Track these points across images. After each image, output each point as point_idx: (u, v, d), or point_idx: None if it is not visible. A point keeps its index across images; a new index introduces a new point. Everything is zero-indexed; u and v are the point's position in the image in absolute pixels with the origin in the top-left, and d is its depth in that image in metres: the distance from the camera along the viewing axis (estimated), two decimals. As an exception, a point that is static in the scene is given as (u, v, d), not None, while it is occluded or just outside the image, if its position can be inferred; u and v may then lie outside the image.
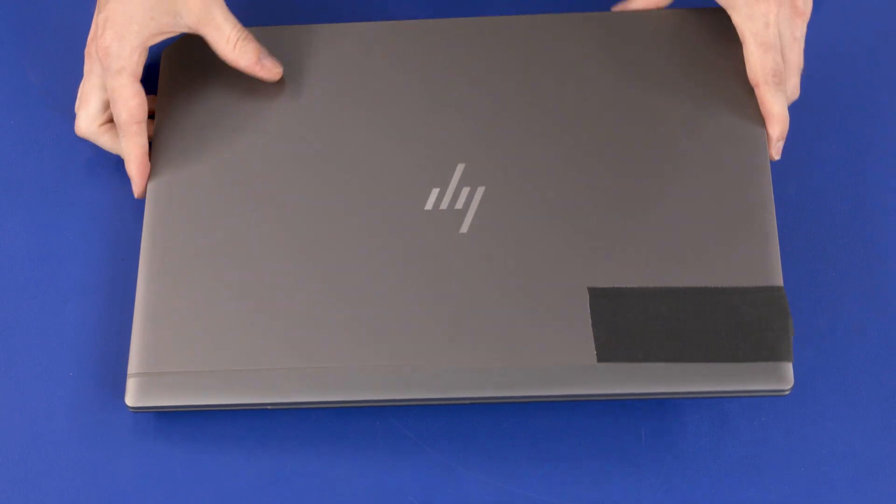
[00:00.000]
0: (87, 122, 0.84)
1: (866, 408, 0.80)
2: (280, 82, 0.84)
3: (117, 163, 0.87)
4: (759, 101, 0.82)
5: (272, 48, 0.85)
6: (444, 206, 0.79)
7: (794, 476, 0.78)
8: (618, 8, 0.87)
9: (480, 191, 0.80)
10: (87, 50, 0.83)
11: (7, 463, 0.79)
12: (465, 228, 0.79)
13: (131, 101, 0.81)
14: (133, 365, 0.77)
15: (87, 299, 0.83)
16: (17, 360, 0.82)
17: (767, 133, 0.81)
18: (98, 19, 0.82)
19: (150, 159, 0.83)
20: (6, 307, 0.84)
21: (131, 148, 0.82)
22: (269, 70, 0.83)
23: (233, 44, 0.82)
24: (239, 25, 0.82)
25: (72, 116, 0.88)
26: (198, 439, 0.79)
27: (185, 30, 0.82)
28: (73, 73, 0.91)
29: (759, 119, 0.82)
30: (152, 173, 0.82)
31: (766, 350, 0.74)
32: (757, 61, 0.81)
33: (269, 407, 0.77)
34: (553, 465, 0.79)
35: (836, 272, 0.84)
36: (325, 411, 0.80)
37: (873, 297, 0.83)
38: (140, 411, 0.77)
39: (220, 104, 0.84)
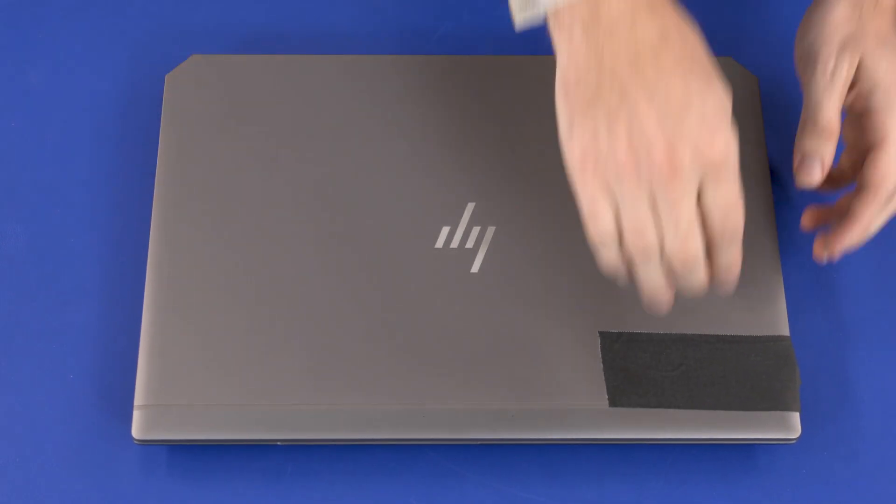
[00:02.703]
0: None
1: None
2: (289, 113, 0.84)
3: (118, 163, 0.88)
4: (859, 200, 0.77)
5: (282, 77, 0.85)
6: (454, 244, 0.80)
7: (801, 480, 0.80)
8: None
9: (491, 230, 0.80)
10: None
11: (7, 465, 0.79)
12: (475, 268, 0.79)
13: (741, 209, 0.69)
14: (139, 396, 0.76)
15: (88, 301, 0.83)
16: (17, 361, 0.82)
17: (843, 231, 0.78)
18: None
19: (154, 188, 0.82)
20: (6, 308, 0.83)
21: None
22: None
23: None
24: None
25: (72, 117, 0.89)
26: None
27: None
28: (73, 74, 0.91)
29: (764, 171, 0.82)
30: (156, 202, 0.81)
31: (773, 400, 0.77)
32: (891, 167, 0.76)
33: (278, 443, 0.77)
34: (553, 466, 0.79)
35: (836, 273, 0.85)
36: (334, 447, 0.80)
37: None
38: (146, 444, 0.76)
39: (226, 130, 0.84)
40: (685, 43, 0.66)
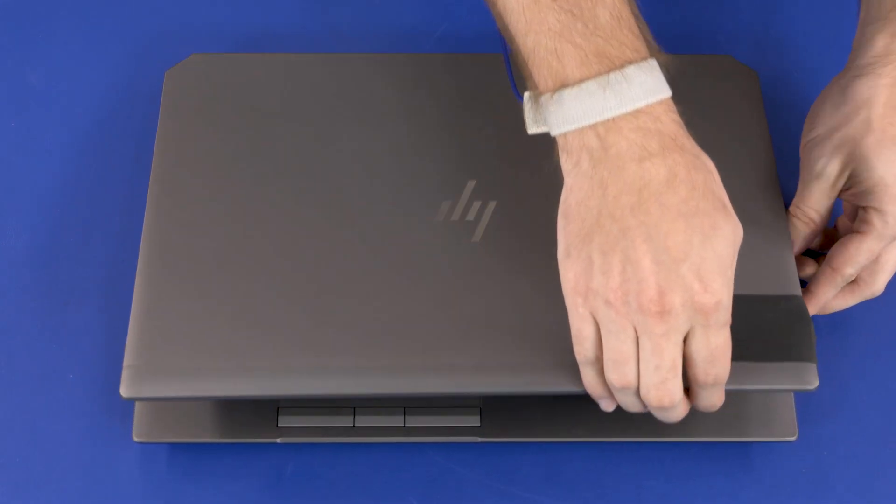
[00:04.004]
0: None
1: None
2: (289, 109, 0.84)
3: (118, 163, 0.88)
4: (818, 277, 0.80)
5: (282, 75, 0.85)
6: (455, 217, 0.79)
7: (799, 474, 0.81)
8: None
9: (492, 205, 0.79)
10: (614, 303, 0.67)
11: (7, 465, 0.79)
12: (477, 237, 0.78)
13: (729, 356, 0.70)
14: (129, 357, 0.75)
15: (88, 301, 0.83)
16: (17, 361, 0.82)
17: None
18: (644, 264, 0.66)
19: (150, 177, 0.81)
20: (6, 308, 0.83)
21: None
22: None
23: None
24: None
25: (72, 116, 0.89)
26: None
27: None
28: (73, 74, 0.92)
29: (770, 164, 0.82)
30: (152, 188, 0.80)
31: (789, 351, 0.74)
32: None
33: (264, 398, 0.75)
34: (554, 466, 0.79)
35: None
36: (334, 447, 0.79)
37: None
38: (133, 400, 0.75)
39: (224, 125, 0.83)
40: (694, 182, 0.66)
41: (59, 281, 0.84)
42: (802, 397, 0.80)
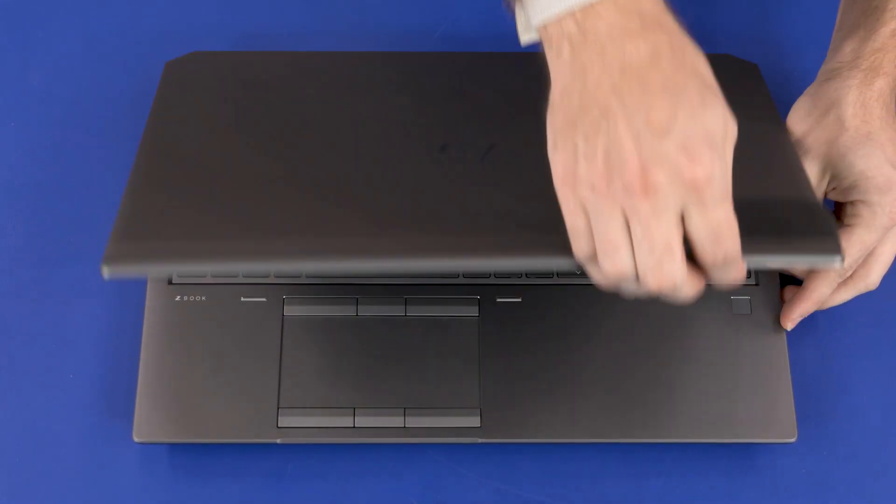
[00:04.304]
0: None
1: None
2: (286, 104, 0.82)
3: (118, 163, 0.88)
4: (813, 273, 0.80)
5: (280, 71, 0.85)
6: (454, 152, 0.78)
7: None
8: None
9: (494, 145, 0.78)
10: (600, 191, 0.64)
11: (7, 465, 0.79)
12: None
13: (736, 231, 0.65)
14: (111, 246, 0.70)
15: (88, 301, 0.84)
16: (17, 361, 0.82)
17: (797, 301, 0.81)
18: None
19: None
20: (6, 308, 0.84)
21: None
22: None
23: None
24: None
25: (73, 116, 0.89)
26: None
27: None
28: (73, 75, 0.92)
29: (777, 120, 0.81)
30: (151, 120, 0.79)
31: (810, 225, 0.71)
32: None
33: (254, 273, 0.74)
34: (554, 466, 0.79)
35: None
36: (334, 447, 0.79)
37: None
38: (115, 279, 0.70)
39: (218, 115, 0.81)
40: (680, 61, 0.63)
41: (59, 281, 0.84)
42: (802, 397, 0.80)
